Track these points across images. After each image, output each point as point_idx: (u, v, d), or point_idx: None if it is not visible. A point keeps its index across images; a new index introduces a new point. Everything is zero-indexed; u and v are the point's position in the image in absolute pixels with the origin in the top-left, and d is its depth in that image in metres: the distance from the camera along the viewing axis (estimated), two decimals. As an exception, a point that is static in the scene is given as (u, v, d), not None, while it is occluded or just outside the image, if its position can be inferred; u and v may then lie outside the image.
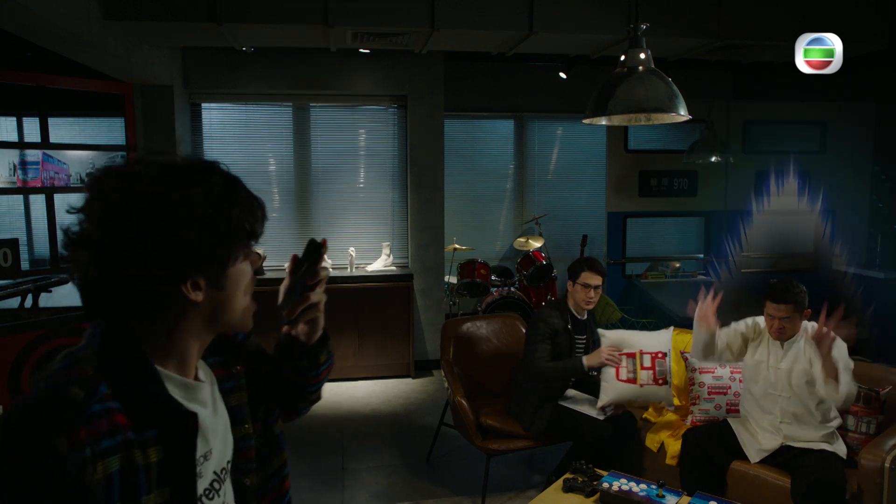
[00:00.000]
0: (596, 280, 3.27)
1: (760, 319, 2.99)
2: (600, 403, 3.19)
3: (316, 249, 1.08)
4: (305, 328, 1.14)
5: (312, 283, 1.09)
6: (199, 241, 0.88)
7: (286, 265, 1.10)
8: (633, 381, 3.16)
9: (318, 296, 1.11)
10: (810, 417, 2.80)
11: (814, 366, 2.71)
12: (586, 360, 3.15)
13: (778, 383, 2.86)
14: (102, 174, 0.90)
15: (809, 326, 2.83)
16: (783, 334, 2.83)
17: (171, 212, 0.86)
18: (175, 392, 0.92)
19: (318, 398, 1.29)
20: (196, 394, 0.97)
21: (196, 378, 0.99)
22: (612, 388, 3.18)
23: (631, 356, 3.19)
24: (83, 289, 0.90)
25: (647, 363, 3.17)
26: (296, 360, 1.16)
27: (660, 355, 3.20)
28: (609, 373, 3.19)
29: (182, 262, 0.88)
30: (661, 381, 3.16)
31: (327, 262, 5.70)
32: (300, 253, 1.09)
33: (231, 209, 0.91)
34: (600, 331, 3.35)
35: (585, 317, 3.41)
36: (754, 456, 2.86)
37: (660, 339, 3.28)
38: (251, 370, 1.13)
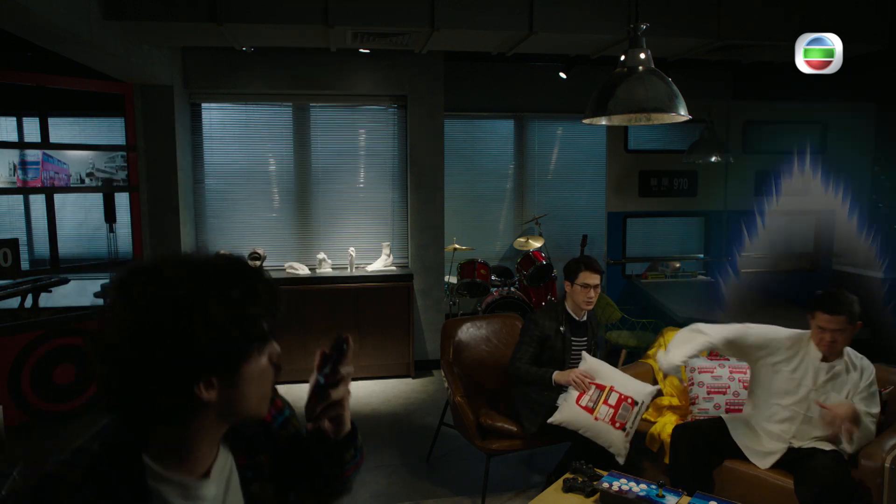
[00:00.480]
0: (595, 279, 3.25)
1: (803, 337, 2.82)
2: (550, 419, 3.07)
3: (340, 347, 1.08)
4: (331, 425, 1.11)
5: (333, 381, 1.08)
6: (213, 346, 0.88)
7: (315, 360, 1.08)
8: (590, 410, 3.02)
9: (340, 393, 1.09)
10: (821, 433, 2.74)
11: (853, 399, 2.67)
12: (556, 376, 3.11)
13: (809, 406, 2.72)
14: (129, 277, 0.90)
15: (858, 362, 2.73)
16: (834, 348, 2.65)
17: (191, 322, 0.87)
18: (172, 494, 0.93)
19: (347, 491, 1.22)
20: (197, 492, 0.97)
21: (209, 468, 0.99)
22: (568, 409, 3.06)
23: (600, 388, 3.06)
24: (105, 392, 0.90)
25: (613, 401, 3.02)
26: (322, 454, 1.13)
27: (629, 401, 3.03)
28: (572, 394, 3.08)
29: (195, 366, 0.88)
30: (618, 425, 2.98)
31: (328, 262, 5.73)
32: (327, 348, 1.09)
33: (248, 312, 0.92)
34: (584, 354, 3.23)
35: (585, 318, 3.40)
36: (763, 462, 2.78)
37: (639, 388, 3.09)
38: (284, 458, 1.10)
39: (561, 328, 3.29)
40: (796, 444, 2.77)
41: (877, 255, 6.23)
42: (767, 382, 2.85)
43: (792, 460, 2.76)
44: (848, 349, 2.73)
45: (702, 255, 6.40)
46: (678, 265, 6.38)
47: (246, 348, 0.93)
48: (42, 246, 5.54)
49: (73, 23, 3.40)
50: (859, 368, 2.72)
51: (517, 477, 3.74)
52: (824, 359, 2.69)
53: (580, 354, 3.34)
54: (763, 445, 2.82)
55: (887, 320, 5.71)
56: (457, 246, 6.34)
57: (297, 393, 4.31)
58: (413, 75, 5.67)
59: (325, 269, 5.66)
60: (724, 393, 3.21)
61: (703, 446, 2.89)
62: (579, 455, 2.94)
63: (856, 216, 6.39)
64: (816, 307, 2.64)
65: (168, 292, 0.87)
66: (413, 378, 5.62)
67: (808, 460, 2.68)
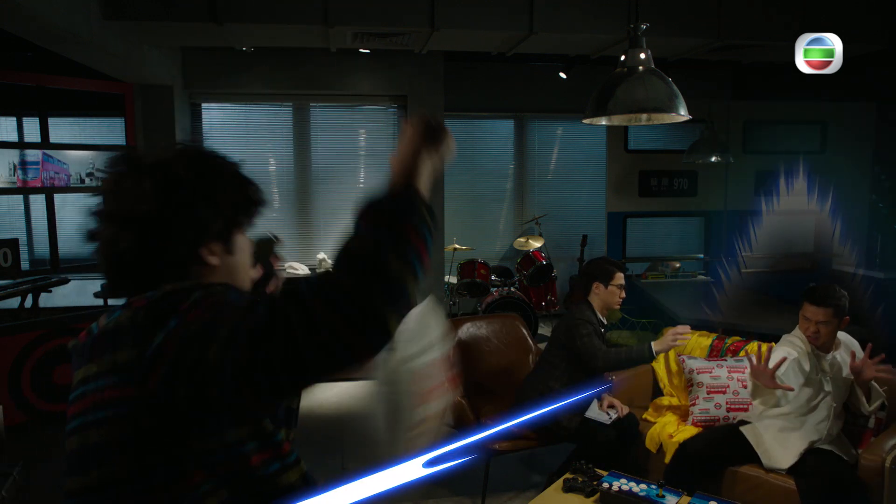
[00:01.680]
0: (623, 279, 3.20)
1: (789, 337, 2.87)
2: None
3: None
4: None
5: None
6: (219, 211, 1.01)
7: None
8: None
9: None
10: (840, 415, 2.75)
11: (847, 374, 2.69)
12: (655, 345, 2.88)
13: (820, 398, 2.73)
14: (142, 156, 1.03)
15: (846, 342, 2.77)
16: (818, 339, 2.71)
17: (209, 186, 1.01)
18: None
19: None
20: None
21: None
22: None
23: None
24: (120, 261, 0.98)
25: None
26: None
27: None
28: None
29: (206, 228, 1.01)
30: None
31: (328, 262, 5.73)
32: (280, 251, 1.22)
33: (247, 187, 1.09)
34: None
35: (606, 321, 3.38)
36: (783, 462, 2.72)
37: None
38: None
39: (601, 331, 3.26)
40: (815, 438, 2.71)
41: (876, 255, 6.23)
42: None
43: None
44: (845, 336, 2.81)
45: (702, 255, 6.40)
46: (678, 265, 6.38)
47: (243, 215, 1.08)
48: (42, 246, 5.54)
49: (73, 23, 3.40)
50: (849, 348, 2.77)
51: (517, 477, 3.74)
52: (822, 350, 2.74)
53: None
54: (779, 455, 2.74)
55: (887, 320, 5.71)
56: (457, 246, 6.34)
57: (297, 393, 4.17)
58: (413, 75, 5.67)
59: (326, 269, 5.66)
60: (724, 392, 3.20)
61: (713, 460, 2.85)
62: (584, 456, 2.93)
63: (856, 216, 6.40)
64: (804, 298, 2.72)
65: (188, 164, 1.03)
66: (413, 378, 5.61)
67: (810, 459, 2.69)
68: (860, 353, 2.73)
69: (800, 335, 2.80)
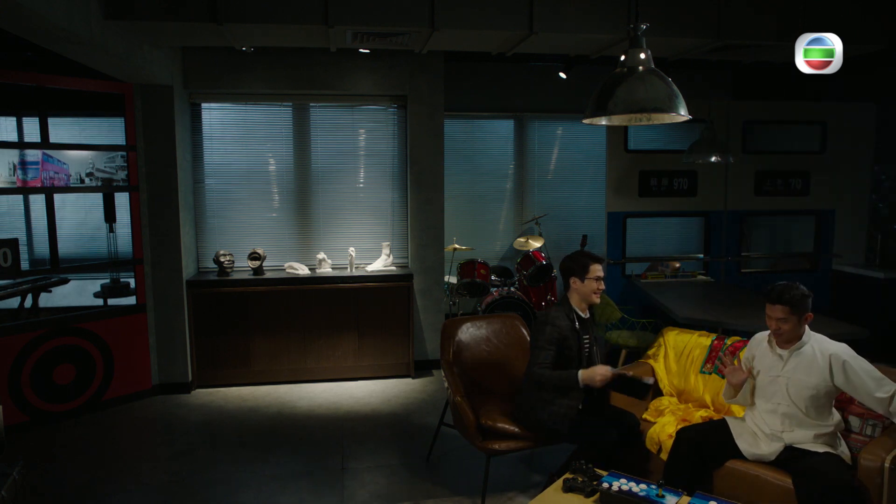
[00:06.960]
0: (602, 270, 3.25)
1: (759, 336, 3.05)
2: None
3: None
4: None
5: None
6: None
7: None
8: None
9: None
10: (809, 422, 2.81)
11: (830, 379, 2.74)
12: (582, 375, 3.07)
13: (778, 393, 2.86)
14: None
15: (813, 338, 2.84)
16: (781, 336, 2.82)
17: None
18: None
19: None
20: None
21: None
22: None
23: None
24: None
25: None
26: None
27: None
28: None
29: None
30: None
31: (328, 262, 5.74)
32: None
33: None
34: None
35: (588, 315, 3.39)
36: (752, 458, 2.87)
37: None
38: None
39: (576, 325, 3.27)
40: (788, 440, 2.82)
41: (876, 255, 6.24)
42: (757, 386, 2.99)
43: (789, 459, 2.77)
44: (817, 336, 2.87)
45: (702, 255, 6.40)
46: (678, 265, 6.38)
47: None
48: (42, 246, 5.54)
49: (73, 23, 3.40)
50: (827, 355, 2.78)
51: (517, 477, 3.74)
52: (784, 346, 2.86)
53: (590, 352, 3.32)
54: (761, 448, 2.86)
55: (887, 320, 5.72)
56: (457, 246, 6.35)
57: (296, 392, 4.34)
58: (413, 75, 5.67)
59: (325, 269, 5.66)
60: None
61: (705, 448, 2.92)
62: (584, 456, 2.93)
63: (856, 216, 6.41)
64: (764, 298, 2.85)
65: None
66: (413, 378, 5.62)
67: (806, 461, 2.70)
68: (844, 359, 2.74)
69: (767, 335, 2.97)
